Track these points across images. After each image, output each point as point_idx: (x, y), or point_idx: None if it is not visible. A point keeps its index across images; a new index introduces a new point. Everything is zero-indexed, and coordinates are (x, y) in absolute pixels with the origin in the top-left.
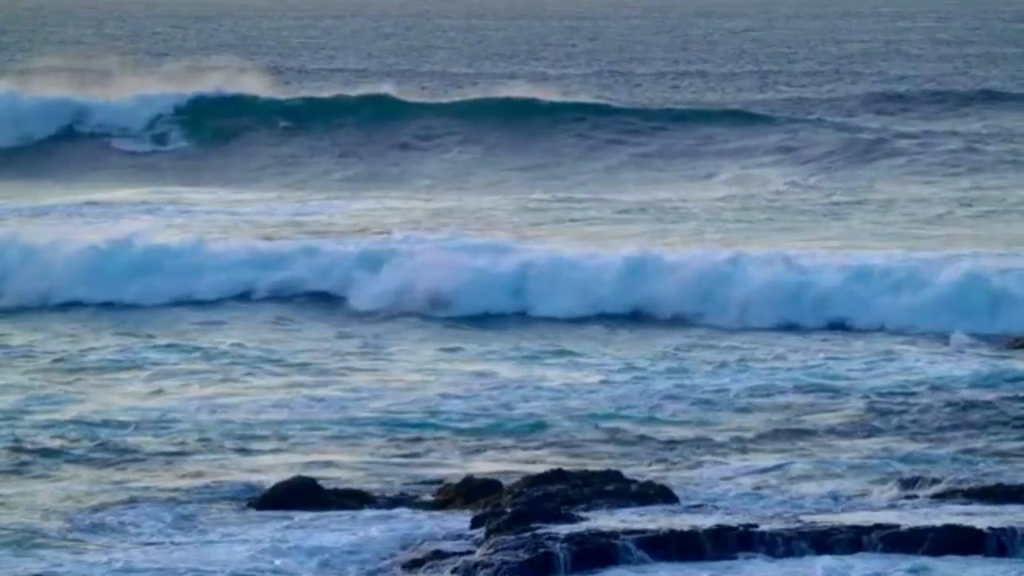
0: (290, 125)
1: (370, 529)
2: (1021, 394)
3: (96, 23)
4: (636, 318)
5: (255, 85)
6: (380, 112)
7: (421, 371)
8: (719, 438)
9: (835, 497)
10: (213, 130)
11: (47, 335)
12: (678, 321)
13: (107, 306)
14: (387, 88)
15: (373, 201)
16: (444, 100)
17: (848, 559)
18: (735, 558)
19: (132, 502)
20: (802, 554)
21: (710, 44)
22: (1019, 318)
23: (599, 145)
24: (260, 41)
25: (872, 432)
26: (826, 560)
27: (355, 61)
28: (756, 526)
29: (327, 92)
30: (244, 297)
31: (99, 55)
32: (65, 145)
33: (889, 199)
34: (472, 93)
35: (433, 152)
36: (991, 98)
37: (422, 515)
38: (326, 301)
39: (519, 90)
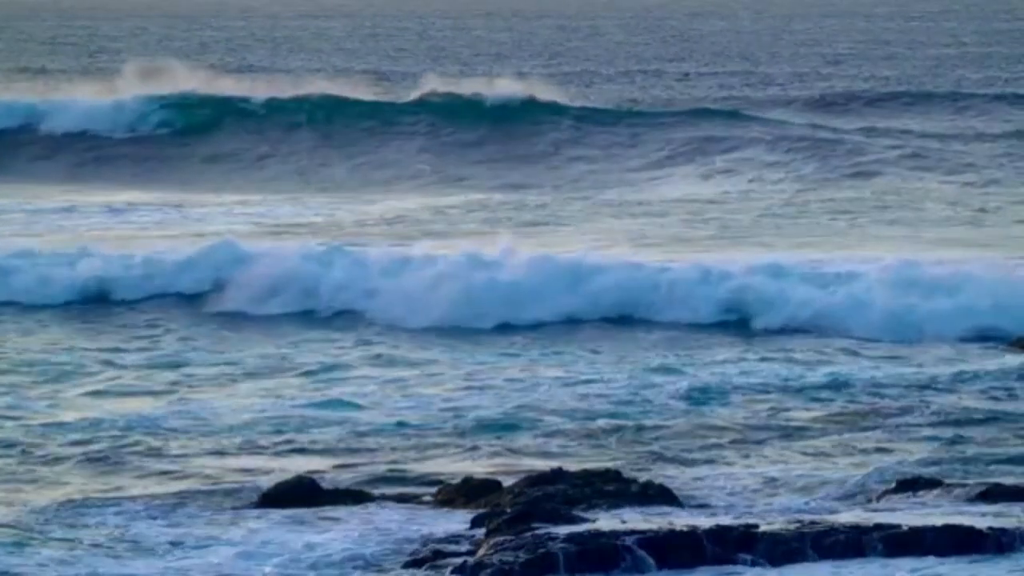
0: (249, 125)
1: (370, 529)
2: (1020, 394)
3: (92, 23)
4: (623, 321)
5: (222, 85)
6: (332, 112)
7: (418, 373)
8: (719, 438)
9: (835, 497)
10: (166, 130)
11: (37, 336)
12: (657, 325)
13: (97, 306)
14: (344, 88)
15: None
16: (395, 99)
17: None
18: (735, 559)
19: (130, 502)
20: (802, 554)
21: (691, 43)
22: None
23: (555, 144)
24: (245, 42)
25: (871, 432)
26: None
27: (331, 61)
28: (756, 526)
29: (284, 92)
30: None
31: (71, 56)
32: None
33: (861, 198)
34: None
35: (383, 152)
36: (961, 98)
37: (422, 515)
38: (302, 304)
39: (470, 88)
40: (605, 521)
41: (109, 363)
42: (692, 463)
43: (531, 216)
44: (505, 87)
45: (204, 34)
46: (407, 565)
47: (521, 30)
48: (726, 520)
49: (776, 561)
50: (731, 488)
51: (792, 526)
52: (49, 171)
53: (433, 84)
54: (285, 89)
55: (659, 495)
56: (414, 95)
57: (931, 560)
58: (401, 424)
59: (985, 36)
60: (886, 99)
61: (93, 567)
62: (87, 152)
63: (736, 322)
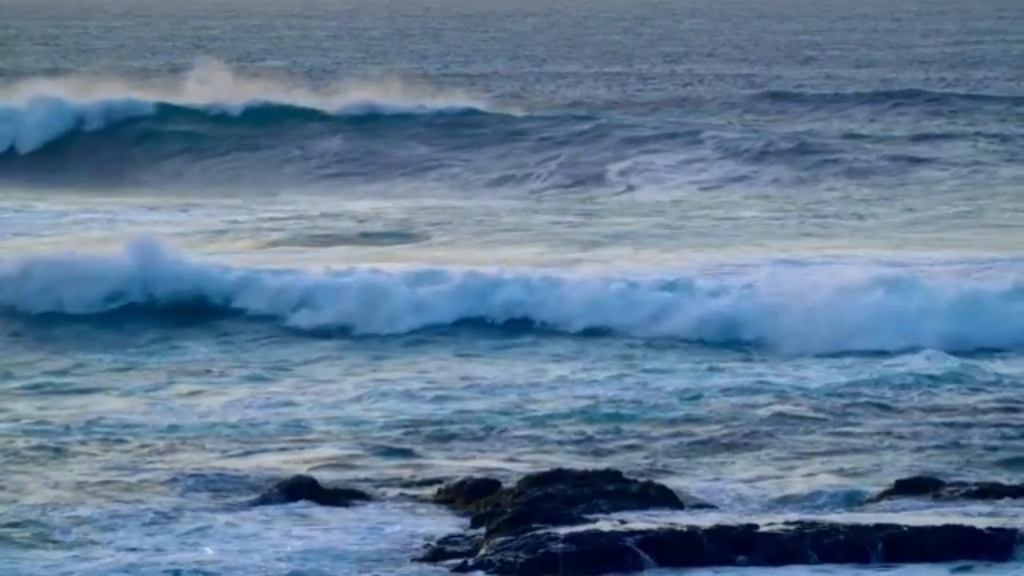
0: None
1: (370, 528)
2: (1019, 394)
3: (82, 25)
4: (621, 324)
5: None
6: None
7: (414, 373)
8: (718, 439)
9: (834, 498)
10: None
11: (33, 339)
12: (654, 328)
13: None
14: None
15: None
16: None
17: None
18: (735, 559)
19: (130, 502)
20: (802, 555)
21: (672, 43)
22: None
23: (503, 149)
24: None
25: (871, 433)
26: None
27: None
28: (756, 527)
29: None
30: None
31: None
32: None
33: (843, 199)
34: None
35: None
36: (938, 98)
37: (422, 515)
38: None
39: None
40: (605, 521)
41: (102, 364)
42: (692, 464)
43: (514, 221)
44: (437, 97)
45: (185, 34)
46: (407, 565)
47: (512, 31)
48: (726, 520)
49: (776, 561)
50: (731, 489)
51: (792, 527)
52: None
53: (363, 92)
54: (222, 95)
55: (659, 495)
56: (340, 104)
57: (929, 567)
58: (401, 424)
59: (969, 35)
60: (864, 100)
61: (94, 567)
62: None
63: (732, 324)
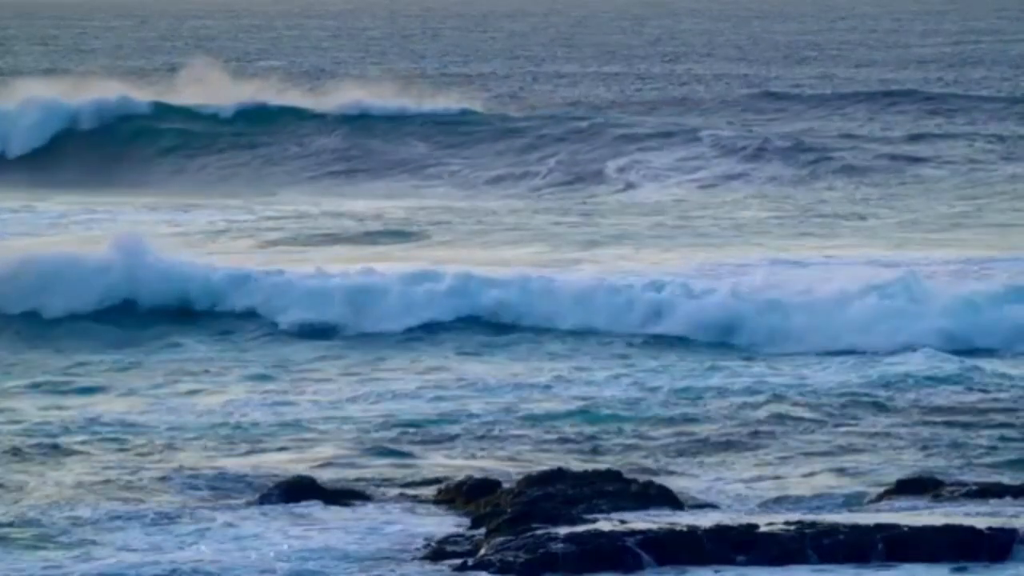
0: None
1: (370, 529)
2: (1019, 394)
3: (81, 25)
4: (619, 326)
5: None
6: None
7: (413, 374)
8: (718, 439)
9: (835, 498)
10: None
11: (31, 339)
12: (652, 329)
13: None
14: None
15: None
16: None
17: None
18: (735, 559)
19: (130, 502)
20: (802, 555)
21: (665, 43)
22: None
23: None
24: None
25: (871, 433)
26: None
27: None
28: (756, 527)
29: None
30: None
31: None
32: None
33: (838, 199)
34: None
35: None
36: (932, 99)
37: (422, 515)
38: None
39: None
40: (605, 521)
41: (102, 364)
42: (692, 464)
43: (512, 222)
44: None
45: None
46: (407, 565)
47: (511, 31)
48: (726, 520)
49: (776, 561)
50: (731, 489)
51: (792, 527)
52: None
53: (360, 92)
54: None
55: (659, 495)
56: (337, 104)
57: (929, 567)
58: (400, 424)
59: (968, 35)
60: (862, 99)
61: (94, 567)
62: None
63: (731, 324)
